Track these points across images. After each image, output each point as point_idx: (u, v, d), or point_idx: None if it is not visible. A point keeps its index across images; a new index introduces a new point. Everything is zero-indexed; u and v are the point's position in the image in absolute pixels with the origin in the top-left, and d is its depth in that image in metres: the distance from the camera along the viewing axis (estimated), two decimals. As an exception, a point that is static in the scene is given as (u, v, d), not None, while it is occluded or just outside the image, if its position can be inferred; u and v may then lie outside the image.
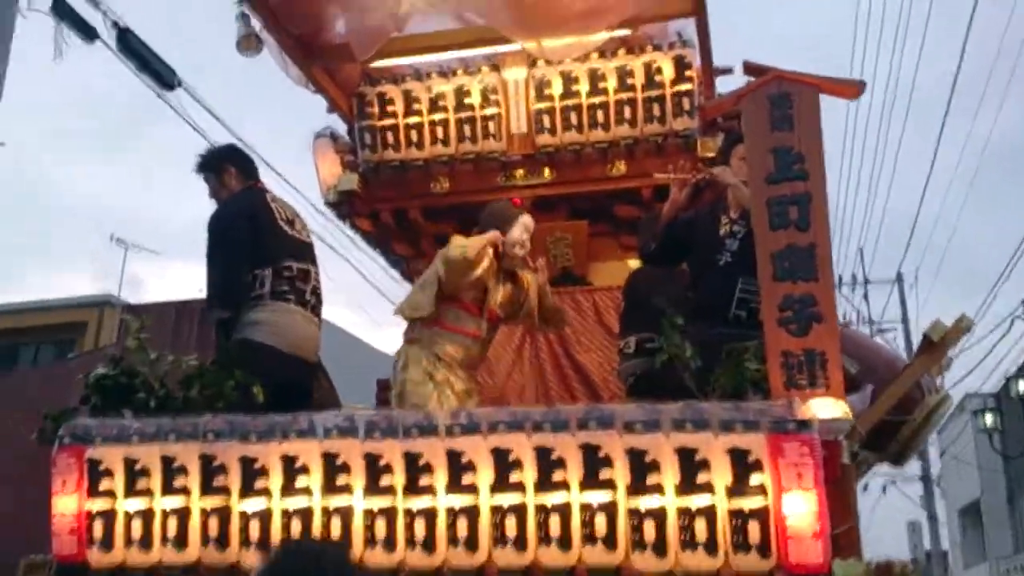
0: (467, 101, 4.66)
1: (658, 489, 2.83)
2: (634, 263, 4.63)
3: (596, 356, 4.72)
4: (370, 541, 2.95)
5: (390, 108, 4.71)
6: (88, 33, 6.96)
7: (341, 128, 4.98)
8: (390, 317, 4.57)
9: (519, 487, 2.90)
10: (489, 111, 4.63)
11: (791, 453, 2.77)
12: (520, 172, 4.70)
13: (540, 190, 4.71)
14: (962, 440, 20.40)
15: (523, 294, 4.00)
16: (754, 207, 3.29)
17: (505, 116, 4.67)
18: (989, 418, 16.18)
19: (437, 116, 4.66)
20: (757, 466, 2.79)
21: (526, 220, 3.96)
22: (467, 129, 4.64)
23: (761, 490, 2.78)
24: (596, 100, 4.53)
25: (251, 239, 3.81)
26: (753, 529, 2.76)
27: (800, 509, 2.73)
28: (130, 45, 7.28)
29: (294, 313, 3.85)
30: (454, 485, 2.93)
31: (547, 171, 4.67)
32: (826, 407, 2.95)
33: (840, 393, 3.04)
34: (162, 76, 7.52)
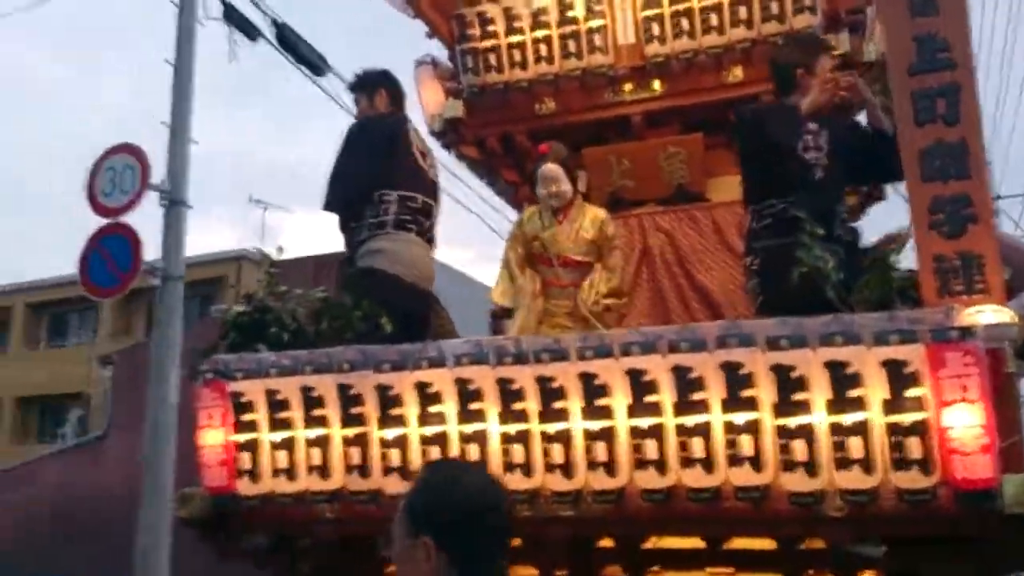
0: (570, 14, 4.44)
1: (807, 407, 2.70)
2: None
3: (718, 275, 4.52)
4: (508, 466, 2.94)
5: (491, 28, 4.54)
6: (251, 33, 8.05)
7: (443, 56, 4.86)
8: (495, 251, 4.59)
9: (656, 409, 2.83)
10: (594, 23, 4.40)
11: (954, 364, 2.61)
12: (629, 86, 4.47)
13: (650, 104, 4.48)
14: None
15: (594, 230, 4.13)
16: (897, 101, 3.06)
17: (611, 27, 4.43)
18: None
19: (540, 33, 4.45)
20: (915, 379, 2.64)
21: (543, 172, 4.07)
22: (571, 44, 4.43)
23: (920, 404, 2.63)
24: (709, 1, 4.26)
25: (384, 159, 3.83)
26: (913, 445, 2.63)
27: (965, 422, 2.58)
28: (286, 39, 8.36)
29: (414, 243, 3.87)
30: (589, 409, 2.88)
31: (657, 83, 4.43)
32: (988, 313, 2.76)
33: (1001, 298, 2.83)
34: (313, 63, 8.53)
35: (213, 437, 3.19)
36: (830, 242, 3.47)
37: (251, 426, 3.16)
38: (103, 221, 6.94)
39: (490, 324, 6.01)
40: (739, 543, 2.98)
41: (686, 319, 4.37)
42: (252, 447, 3.16)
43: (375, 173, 3.82)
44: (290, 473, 3.12)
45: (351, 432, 3.07)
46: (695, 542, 3.02)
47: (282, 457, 3.12)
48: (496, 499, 1.56)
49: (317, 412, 3.10)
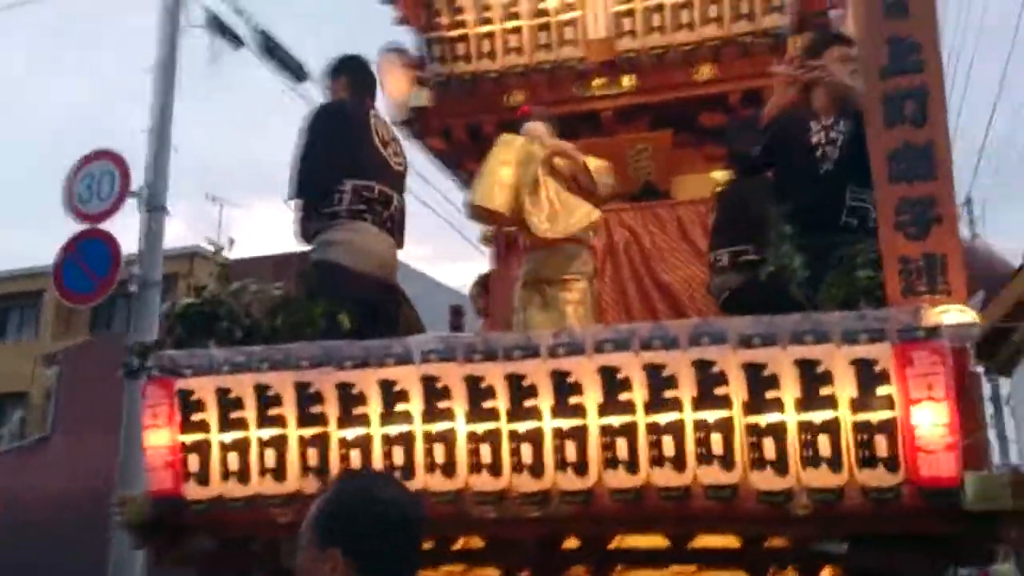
0: (542, 6, 4.39)
1: (778, 404, 2.68)
2: (719, 175, 4.39)
3: (681, 273, 4.52)
4: (475, 466, 2.87)
5: (460, 17, 4.47)
6: (234, 41, 8.30)
7: (411, 44, 4.76)
8: (457, 250, 4.49)
9: (629, 407, 2.78)
10: (566, 15, 4.37)
11: (921, 362, 2.62)
12: (599, 81, 4.44)
13: (620, 99, 4.45)
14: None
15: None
16: (867, 103, 3.06)
17: (583, 20, 4.40)
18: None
19: (511, 23, 4.41)
20: (883, 377, 2.64)
21: (527, 130, 4.06)
22: (543, 36, 4.39)
23: (888, 402, 2.63)
24: (681, -2, 4.24)
25: (337, 146, 3.71)
26: (880, 443, 2.63)
27: (931, 421, 2.59)
28: (268, 46, 8.57)
29: (369, 233, 3.71)
30: (560, 407, 2.82)
31: (627, 79, 4.41)
32: (953, 313, 2.77)
33: (963, 299, 2.85)
34: (292, 68, 8.74)
35: (158, 438, 3.04)
36: (835, 232, 3.45)
37: (200, 426, 3.02)
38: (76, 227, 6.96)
39: (450, 322, 5.97)
40: (703, 541, 2.96)
41: (648, 316, 4.36)
42: (201, 448, 3.02)
43: (328, 161, 3.70)
44: (242, 476, 2.98)
45: (309, 432, 2.96)
46: (660, 541, 2.98)
47: (233, 459, 2.98)
48: (413, 512, 1.53)
49: (273, 411, 2.98)
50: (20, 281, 21.12)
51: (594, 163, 4.07)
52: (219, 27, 8.07)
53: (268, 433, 3.00)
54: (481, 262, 6.53)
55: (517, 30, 4.41)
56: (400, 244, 3.91)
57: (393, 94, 4.59)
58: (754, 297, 3.39)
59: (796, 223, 3.28)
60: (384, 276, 3.80)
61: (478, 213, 4.13)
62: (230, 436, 3.02)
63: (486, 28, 4.44)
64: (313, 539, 1.46)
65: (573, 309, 3.99)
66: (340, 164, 3.70)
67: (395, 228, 3.86)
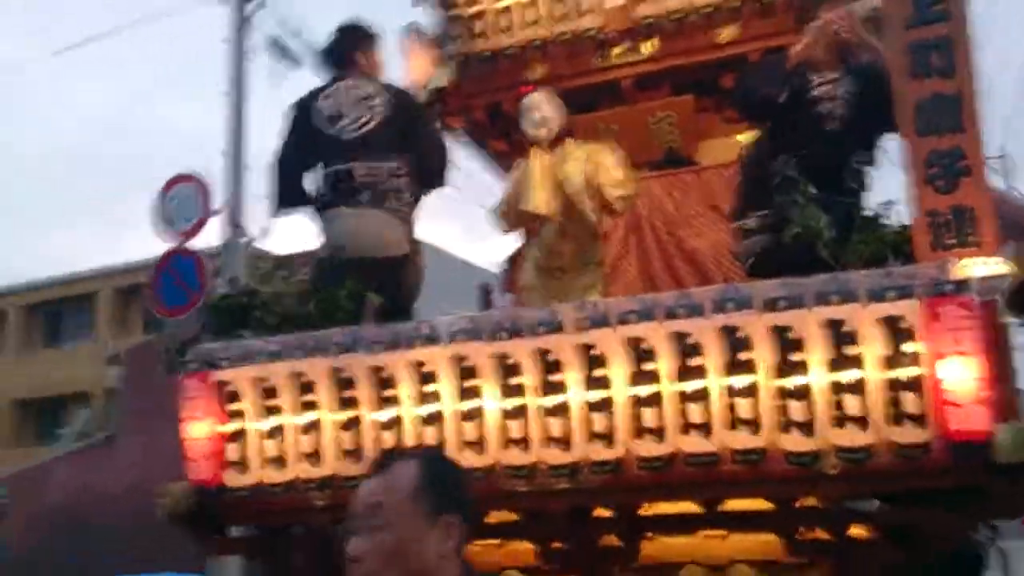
0: (558, -24, 4.34)
1: (804, 367, 2.68)
2: (742, 137, 4.33)
3: (707, 239, 4.47)
4: (505, 442, 2.91)
5: (476, -7, 4.44)
6: (294, 60, 9.11)
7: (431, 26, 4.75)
8: (489, 229, 4.45)
9: (654, 376, 2.80)
10: (583, -16, 4.31)
11: (948, 317, 2.59)
12: (618, 49, 4.36)
13: (640, 67, 4.37)
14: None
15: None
16: (892, 56, 3.01)
17: (600, -11, 4.34)
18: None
19: (527, -4, 4.36)
20: (911, 334, 2.62)
21: (527, 101, 4.07)
22: (559, 8, 4.35)
23: (916, 359, 2.61)
24: (699, -41, 4.16)
25: (288, 147, 3.73)
26: (909, 400, 2.62)
27: (960, 375, 2.57)
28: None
29: (339, 217, 3.60)
30: (587, 380, 2.85)
31: (647, 45, 4.34)
32: (981, 266, 2.72)
33: (993, 251, 2.80)
34: None
35: (198, 429, 3.13)
36: (841, 194, 3.42)
37: (238, 415, 3.11)
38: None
39: (479, 301, 5.98)
40: (733, 505, 2.97)
41: (673, 284, 4.33)
42: (240, 437, 3.10)
43: (282, 168, 3.74)
44: (280, 462, 3.07)
45: (343, 416, 3.03)
46: (689, 506, 3.00)
47: (271, 446, 3.07)
48: None
49: (308, 397, 3.05)
50: (75, 284, 21.66)
51: (613, 176, 4.02)
52: (279, 49, 8.79)
53: (304, 419, 3.07)
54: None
55: (534, 3, 4.37)
56: (394, 204, 3.63)
57: (415, 76, 4.59)
58: (781, 259, 3.36)
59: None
60: (368, 252, 3.56)
61: (523, 218, 4.11)
62: (268, 424, 3.10)
63: (503, 3, 4.41)
64: (416, 510, 1.45)
65: (587, 294, 4.01)
66: (293, 164, 3.71)
67: (375, 196, 3.60)
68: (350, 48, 3.85)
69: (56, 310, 22.75)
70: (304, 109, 3.72)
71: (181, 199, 7.64)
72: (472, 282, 6.64)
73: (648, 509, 3.03)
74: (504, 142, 4.84)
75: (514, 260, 5.24)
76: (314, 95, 3.76)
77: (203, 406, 3.17)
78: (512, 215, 4.14)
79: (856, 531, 2.93)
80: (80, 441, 15.96)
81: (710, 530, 3.06)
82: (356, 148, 3.61)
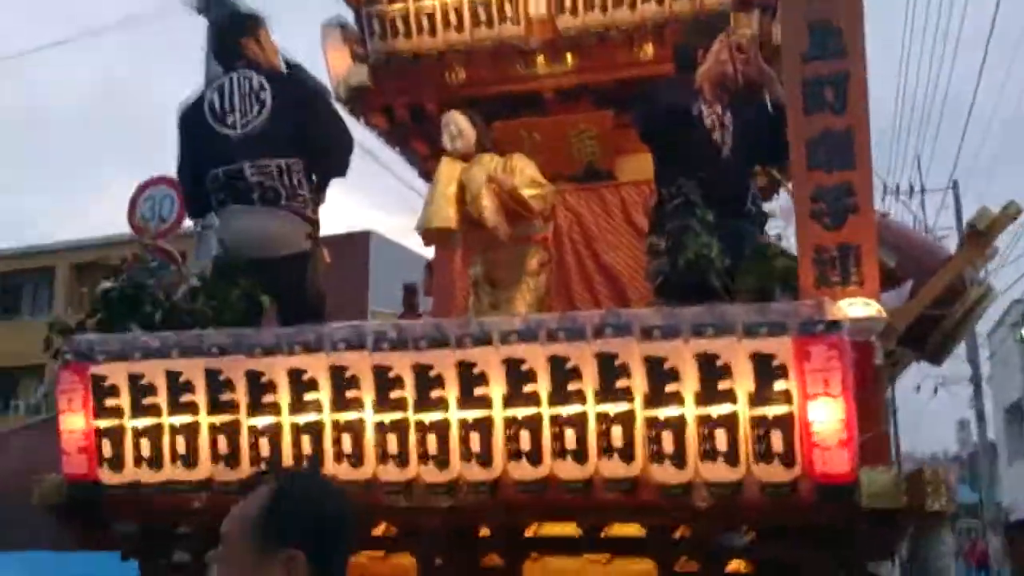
0: (481, -20, 4.31)
1: (677, 398, 2.68)
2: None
3: (623, 255, 4.50)
4: (382, 456, 2.88)
5: (400, -11, 4.38)
6: None
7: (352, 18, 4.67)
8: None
9: (533, 399, 2.78)
10: (505, -9, 4.28)
11: (818, 357, 2.61)
12: (541, 59, 4.38)
13: (562, 79, 4.40)
14: (1008, 344, 21.63)
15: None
16: (788, 89, 3.03)
17: (523, -3, 4.32)
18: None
19: (451, -1, 4.33)
20: (782, 371, 2.63)
21: (444, 119, 4.27)
22: (482, 12, 4.32)
23: (786, 397, 2.62)
24: (623, -26, 4.16)
25: (183, 151, 3.65)
26: (776, 438, 2.62)
27: (826, 416, 2.58)
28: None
29: (232, 216, 3.51)
30: (466, 397, 2.82)
31: (569, 58, 4.35)
32: (858, 306, 2.76)
33: (874, 291, 2.85)
34: None
35: (73, 422, 3.05)
36: (740, 219, 3.47)
37: (114, 412, 3.03)
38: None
39: (403, 300, 5.95)
40: (615, 530, 2.98)
41: (589, 299, 4.35)
42: (114, 434, 3.03)
43: (181, 173, 3.69)
44: (155, 462, 3.00)
45: (219, 420, 2.96)
46: (573, 529, 3.00)
47: (146, 445, 3.00)
48: (349, 503, 1.50)
49: (184, 398, 2.99)
50: (34, 257, 21.13)
51: (528, 175, 4.09)
52: None
53: (180, 420, 3.00)
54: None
55: (457, 6, 4.33)
56: (289, 201, 3.46)
57: (334, 71, 4.53)
58: (679, 284, 3.38)
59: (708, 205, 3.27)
60: (269, 254, 3.44)
61: (429, 236, 4.23)
62: (143, 422, 3.02)
63: (426, 3, 4.36)
64: (255, 543, 1.38)
65: (525, 309, 4.03)
66: (190, 171, 3.63)
67: (268, 194, 3.43)
68: (236, 37, 3.65)
69: (15, 282, 22.25)
70: (197, 109, 3.59)
71: (157, 200, 7.80)
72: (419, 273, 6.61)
73: (534, 531, 3.03)
74: (426, 144, 4.81)
75: (430, 266, 5.23)
76: (202, 94, 3.63)
77: (78, 399, 3.07)
78: (422, 232, 4.17)
79: (734, 565, 2.97)
80: (33, 414, 15.53)
81: (592, 554, 3.07)
82: (245, 146, 3.46)
